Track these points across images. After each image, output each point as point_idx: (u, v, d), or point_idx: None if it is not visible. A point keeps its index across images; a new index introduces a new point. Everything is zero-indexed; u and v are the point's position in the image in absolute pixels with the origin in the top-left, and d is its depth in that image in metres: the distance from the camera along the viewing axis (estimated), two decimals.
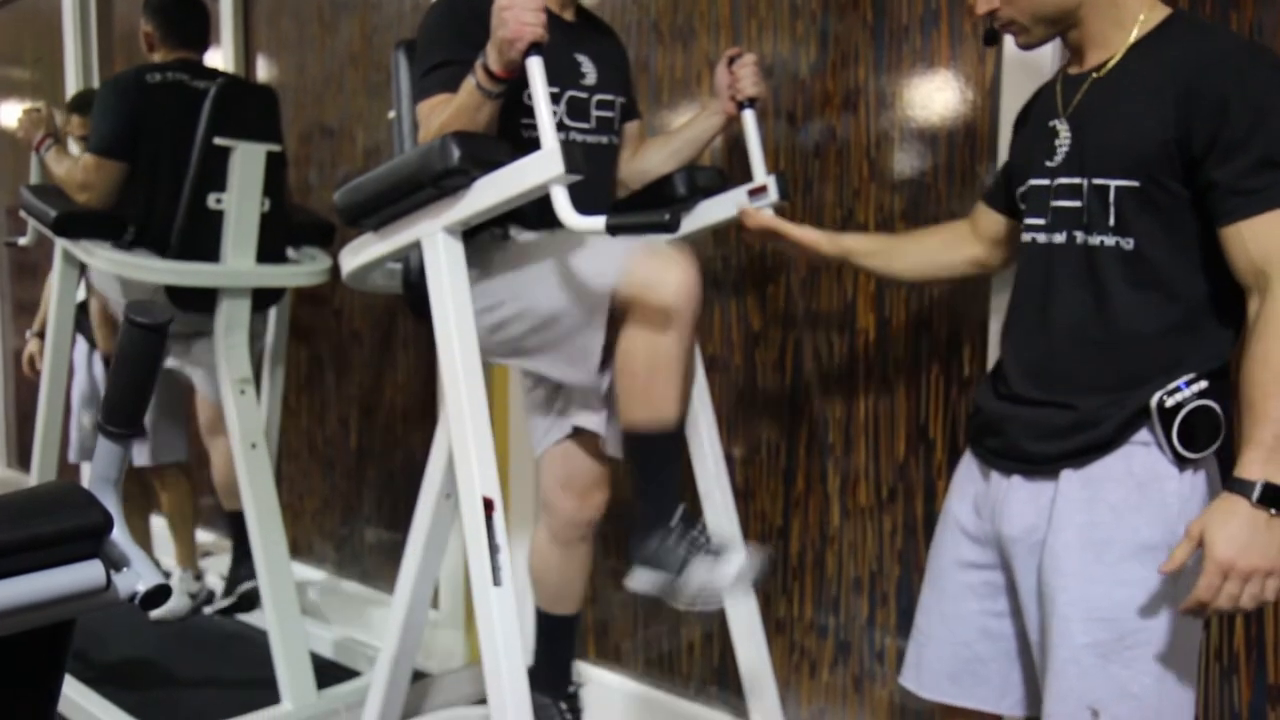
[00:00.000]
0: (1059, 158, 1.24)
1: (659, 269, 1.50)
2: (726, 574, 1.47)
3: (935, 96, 1.76)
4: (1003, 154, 1.55)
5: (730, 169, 1.95)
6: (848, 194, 1.88)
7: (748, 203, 1.75)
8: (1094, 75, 1.22)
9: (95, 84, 3.64)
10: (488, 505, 1.49)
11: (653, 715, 2.18)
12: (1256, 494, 1.04)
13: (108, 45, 3.74)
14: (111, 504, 0.83)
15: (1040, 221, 1.26)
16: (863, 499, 1.90)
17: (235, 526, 2.71)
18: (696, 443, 1.83)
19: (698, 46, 2.07)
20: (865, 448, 1.89)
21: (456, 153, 1.42)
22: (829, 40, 1.88)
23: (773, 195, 1.71)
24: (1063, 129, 1.24)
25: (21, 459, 4.39)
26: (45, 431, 2.68)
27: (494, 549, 1.48)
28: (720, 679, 2.12)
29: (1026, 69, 1.56)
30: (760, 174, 1.73)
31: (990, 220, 1.44)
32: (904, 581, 1.85)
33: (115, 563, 0.82)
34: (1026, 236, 1.29)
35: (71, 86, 3.73)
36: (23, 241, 2.80)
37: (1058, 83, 1.29)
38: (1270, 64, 1.13)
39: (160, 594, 0.83)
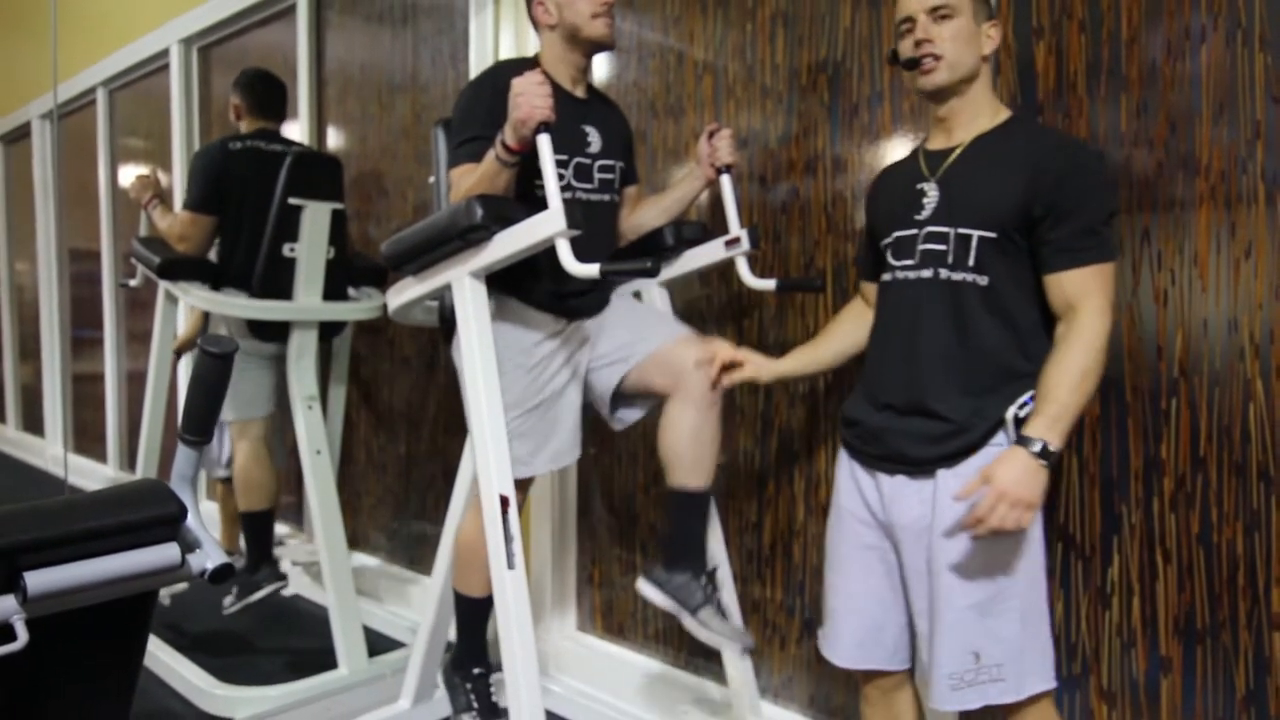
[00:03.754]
0: (927, 212, 1.33)
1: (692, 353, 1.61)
2: (728, 629, 1.62)
3: (880, 162, 1.80)
4: None
5: (712, 223, 1.99)
6: (809, 243, 1.91)
7: (724, 252, 1.79)
8: (958, 150, 1.33)
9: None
10: (504, 502, 1.53)
11: (650, 681, 2.19)
12: (1035, 448, 1.19)
13: (207, 119, 3.84)
14: (187, 497, 0.87)
15: (909, 262, 1.35)
16: (823, 498, 1.91)
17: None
18: None
19: (686, 121, 2.12)
20: (825, 455, 1.91)
21: (479, 212, 1.47)
22: (793, 116, 1.93)
23: (744, 245, 1.75)
24: (931, 190, 1.34)
25: (131, 462, 4.46)
26: (149, 438, 2.73)
27: (509, 538, 1.51)
28: (705, 651, 2.12)
29: None
30: (735, 227, 1.77)
31: (875, 291, 1.50)
32: None
33: (189, 545, 0.86)
34: (897, 275, 1.37)
35: (178, 154, 3.83)
36: (133, 283, 2.86)
37: (919, 157, 1.39)
38: (1092, 154, 1.33)
39: (225, 571, 0.88)
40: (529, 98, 1.42)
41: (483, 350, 1.57)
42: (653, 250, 1.84)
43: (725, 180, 1.79)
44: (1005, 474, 1.18)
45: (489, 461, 1.54)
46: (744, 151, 1.98)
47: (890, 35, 1.77)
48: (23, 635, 0.72)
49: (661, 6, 2.16)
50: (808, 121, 1.90)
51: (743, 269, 1.78)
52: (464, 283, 1.57)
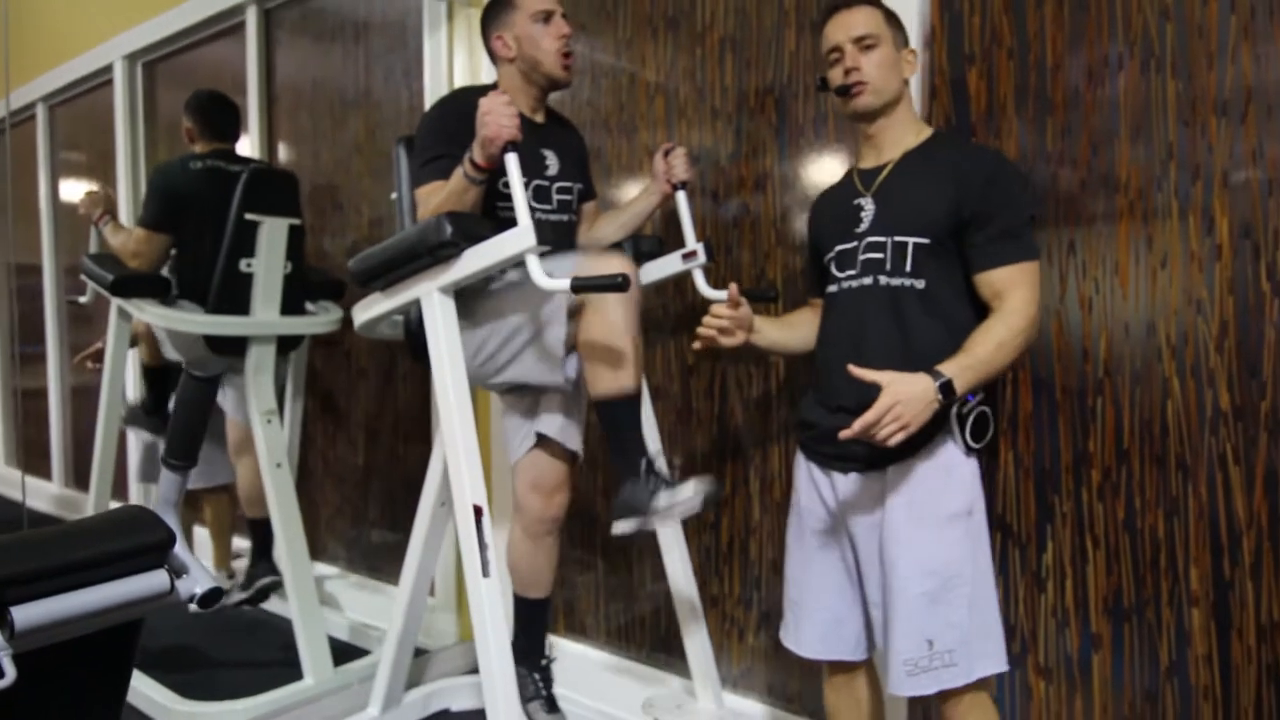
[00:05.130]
0: (865, 225, 1.37)
1: (603, 266, 1.49)
2: (682, 495, 1.49)
3: (825, 178, 1.82)
4: None
5: (668, 237, 1.99)
6: (760, 256, 1.93)
7: (681, 265, 1.80)
8: (889, 166, 1.37)
9: (141, 167, 3.58)
10: (477, 511, 1.50)
11: (613, 677, 2.18)
12: (940, 382, 1.21)
13: (153, 135, 3.68)
14: (173, 523, 0.84)
15: (852, 272, 1.38)
16: (777, 496, 1.93)
17: (255, 531, 2.64)
18: None
19: (639, 139, 2.12)
20: (778, 455, 1.93)
21: (449, 229, 1.44)
22: (742, 136, 1.94)
23: (701, 258, 1.76)
24: (867, 204, 1.38)
25: (78, 479, 4.24)
26: (102, 456, 2.60)
27: (483, 547, 1.49)
28: (667, 646, 2.13)
29: None
30: (691, 241, 1.78)
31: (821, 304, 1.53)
32: None
33: (177, 571, 0.83)
34: (841, 285, 1.40)
35: (122, 170, 3.65)
36: (83, 300, 2.72)
37: (853, 176, 1.43)
38: (1013, 166, 1.39)
39: (214, 595, 0.84)
40: (496, 117, 1.41)
41: (452, 363, 1.54)
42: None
43: (680, 196, 1.79)
44: (904, 388, 1.19)
45: (461, 473, 1.51)
46: (696, 169, 1.99)
47: None
48: (10, 672, 0.68)
49: (614, 30, 2.16)
50: (756, 141, 1.92)
51: (699, 280, 1.79)
52: (433, 298, 1.53)
